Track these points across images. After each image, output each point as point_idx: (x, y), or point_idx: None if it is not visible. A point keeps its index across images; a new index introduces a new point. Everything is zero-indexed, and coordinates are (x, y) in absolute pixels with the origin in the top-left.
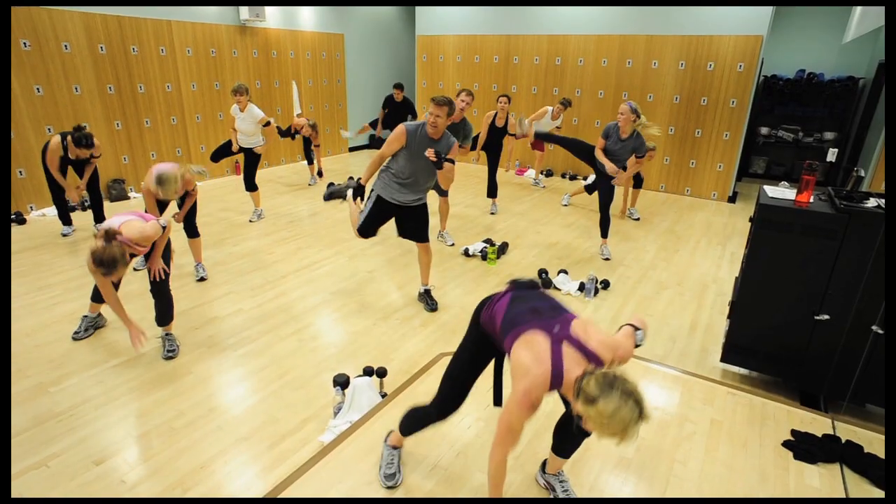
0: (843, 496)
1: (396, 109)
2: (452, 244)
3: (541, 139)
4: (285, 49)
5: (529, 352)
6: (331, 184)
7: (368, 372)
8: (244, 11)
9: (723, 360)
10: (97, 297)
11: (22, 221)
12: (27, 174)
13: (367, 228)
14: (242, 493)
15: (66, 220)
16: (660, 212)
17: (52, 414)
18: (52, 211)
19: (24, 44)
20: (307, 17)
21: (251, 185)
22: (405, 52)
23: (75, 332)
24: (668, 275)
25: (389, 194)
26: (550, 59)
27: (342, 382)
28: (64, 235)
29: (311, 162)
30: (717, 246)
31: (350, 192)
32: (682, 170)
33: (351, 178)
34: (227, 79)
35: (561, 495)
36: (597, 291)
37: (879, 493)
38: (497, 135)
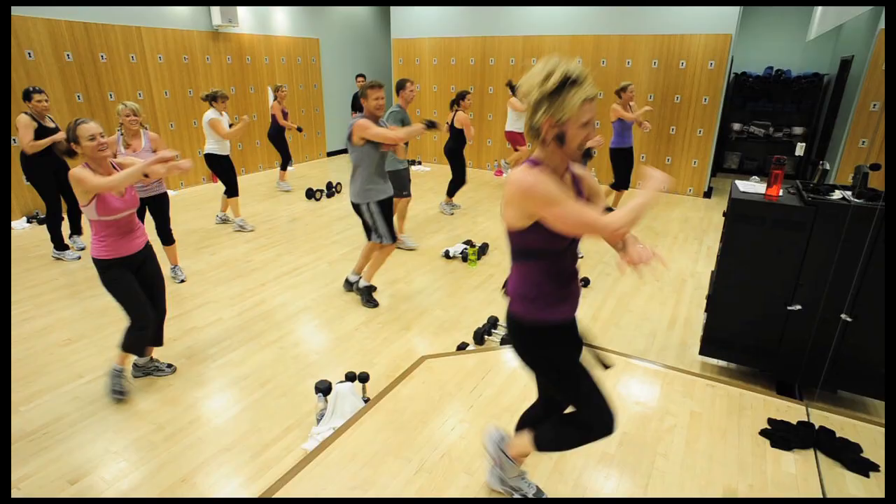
0: (818, 481)
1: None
2: (414, 248)
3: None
4: (259, 55)
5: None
6: (310, 189)
7: (351, 377)
8: (216, 17)
9: (701, 352)
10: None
11: None
12: None
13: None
14: None
15: (60, 246)
16: None
17: (23, 433)
18: (20, 224)
19: None
20: (281, 23)
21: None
22: (381, 56)
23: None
24: (648, 270)
25: (385, 192)
26: (526, 60)
27: (324, 389)
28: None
29: (286, 161)
30: (695, 241)
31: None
32: (658, 167)
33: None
34: (201, 85)
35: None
36: None
37: (852, 477)
38: (459, 133)
